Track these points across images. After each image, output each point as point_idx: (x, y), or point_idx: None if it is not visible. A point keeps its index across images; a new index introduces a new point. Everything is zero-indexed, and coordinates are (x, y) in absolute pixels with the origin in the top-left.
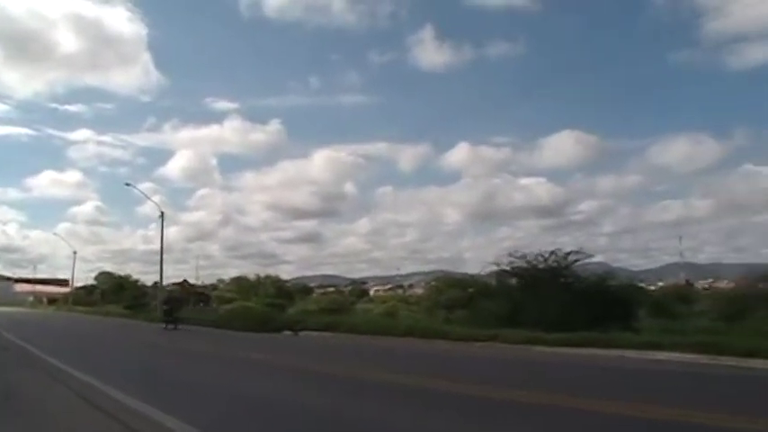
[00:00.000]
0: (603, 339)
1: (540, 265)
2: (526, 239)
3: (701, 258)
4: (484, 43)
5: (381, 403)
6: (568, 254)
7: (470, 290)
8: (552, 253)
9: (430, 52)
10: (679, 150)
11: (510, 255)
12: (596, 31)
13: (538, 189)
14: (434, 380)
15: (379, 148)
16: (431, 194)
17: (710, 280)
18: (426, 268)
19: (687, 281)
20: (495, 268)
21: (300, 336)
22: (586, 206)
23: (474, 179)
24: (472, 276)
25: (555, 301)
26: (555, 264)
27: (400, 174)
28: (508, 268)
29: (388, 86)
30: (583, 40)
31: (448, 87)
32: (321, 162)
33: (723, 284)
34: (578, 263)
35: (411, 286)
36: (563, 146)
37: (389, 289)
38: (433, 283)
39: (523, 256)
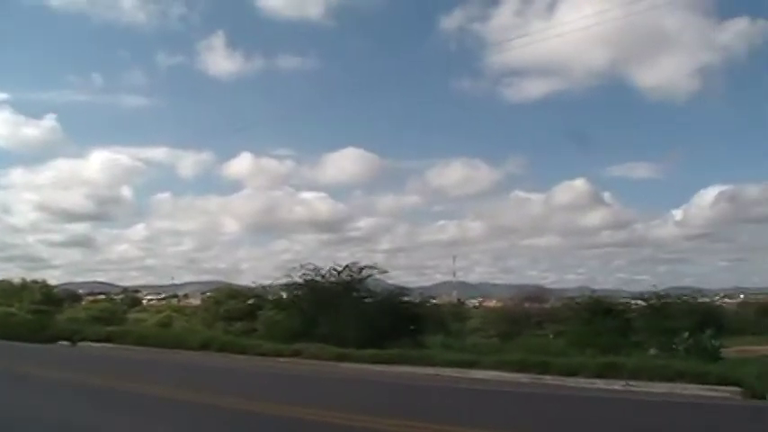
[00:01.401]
0: (414, 356)
1: (333, 279)
2: (304, 253)
3: (472, 278)
4: (275, 55)
5: None
6: (362, 269)
7: (250, 301)
8: (346, 267)
9: (220, 59)
10: (456, 174)
11: (302, 267)
12: (386, 52)
13: (318, 204)
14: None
15: (160, 152)
16: (211, 203)
17: (480, 299)
18: (202, 278)
19: (459, 299)
20: (283, 280)
21: (80, 347)
22: (365, 223)
23: (255, 190)
24: (264, 288)
25: (349, 315)
26: (348, 278)
27: (180, 180)
28: (300, 281)
29: (174, 90)
30: (372, 60)
31: (235, 96)
32: (98, 163)
33: (492, 303)
34: (370, 278)
35: (186, 296)
36: (346, 162)
37: (163, 298)
38: (209, 293)
39: (316, 269)
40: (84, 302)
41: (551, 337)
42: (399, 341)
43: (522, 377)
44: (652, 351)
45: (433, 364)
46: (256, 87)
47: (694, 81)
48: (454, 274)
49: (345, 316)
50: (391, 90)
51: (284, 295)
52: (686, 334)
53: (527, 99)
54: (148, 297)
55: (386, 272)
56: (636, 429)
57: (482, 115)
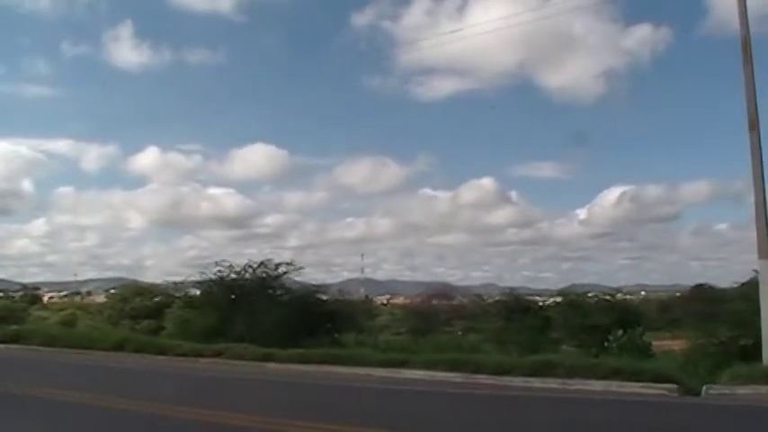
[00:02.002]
0: (342, 355)
1: (248, 276)
2: (211, 250)
3: (380, 275)
4: (185, 48)
5: None
6: (278, 265)
7: (157, 299)
8: (261, 263)
9: (127, 50)
10: (364, 171)
11: (216, 264)
12: (296, 48)
13: (226, 200)
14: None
15: (63, 145)
16: (115, 198)
17: (388, 296)
18: (105, 275)
19: (367, 296)
20: (195, 277)
21: None
22: (273, 219)
23: (161, 185)
24: (174, 284)
25: (265, 313)
26: (264, 275)
27: (84, 174)
28: (214, 277)
29: (78, 80)
30: (282, 56)
31: (142, 88)
32: None
33: (400, 300)
34: (286, 275)
35: (89, 293)
36: (254, 158)
37: (65, 296)
38: (114, 290)
39: (231, 266)
40: None
41: (460, 333)
42: (316, 339)
43: (456, 376)
44: (564, 347)
45: (362, 364)
46: (164, 80)
47: (599, 84)
48: (362, 271)
49: (262, 314)
50: (301, 86)
51: (197, 292)
52: (620, 332)
53: (437, 98)
54: (50, 294)
55: (302, 268)
56: (588, 428)
57: (392, 113)
